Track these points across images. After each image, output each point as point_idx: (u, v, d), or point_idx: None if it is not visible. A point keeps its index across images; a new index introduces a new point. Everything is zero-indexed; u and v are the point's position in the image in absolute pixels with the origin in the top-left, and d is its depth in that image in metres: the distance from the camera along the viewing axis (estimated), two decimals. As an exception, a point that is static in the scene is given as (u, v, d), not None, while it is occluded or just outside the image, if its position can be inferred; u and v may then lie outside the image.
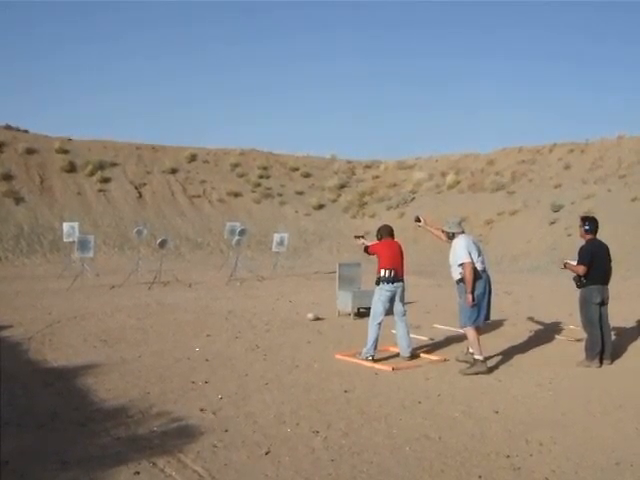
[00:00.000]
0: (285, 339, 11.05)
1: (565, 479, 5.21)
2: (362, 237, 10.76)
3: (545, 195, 30.32)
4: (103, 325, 12.16)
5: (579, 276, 9.39)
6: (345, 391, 7.76)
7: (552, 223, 27.56)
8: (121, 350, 9.98)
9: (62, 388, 7.81)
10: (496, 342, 10.85)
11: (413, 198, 35.77)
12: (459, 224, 9.51)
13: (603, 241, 9.78)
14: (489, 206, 31.34)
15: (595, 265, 9.32)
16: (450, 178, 35.90)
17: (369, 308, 13.15)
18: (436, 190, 35.76)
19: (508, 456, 5.65)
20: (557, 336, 11.47)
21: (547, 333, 11.68)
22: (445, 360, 9.52)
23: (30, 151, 31.95)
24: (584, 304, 9.47)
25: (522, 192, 31.76)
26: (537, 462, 5.54)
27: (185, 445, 5.81)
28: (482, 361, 8.84)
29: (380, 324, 9.59)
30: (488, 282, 9.14)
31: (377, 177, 40.09)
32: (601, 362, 9.31)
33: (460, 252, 8.99)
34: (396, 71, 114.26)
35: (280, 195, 36.60)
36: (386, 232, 10.14)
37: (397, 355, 9.81)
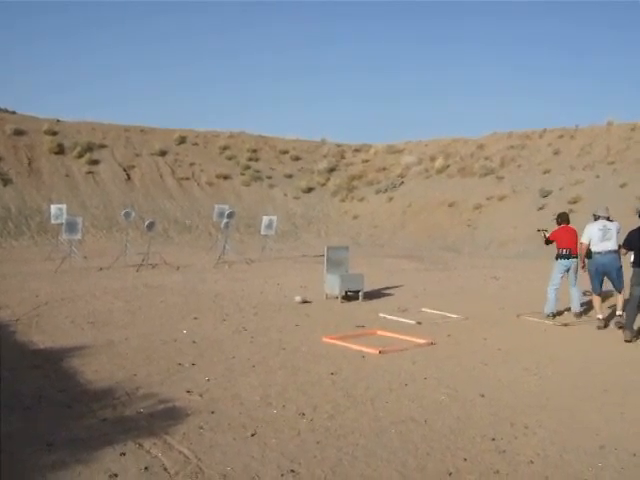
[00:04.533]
0: (272, 322, 11.06)
1: (549, 462, 5.24)
2: (545, 230, 12.77)
3: (534, 181, 30.36)
4: (90, 307, 12.13)
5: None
6: (332, 374, 7.77)
7: (540, 209, 27.62)
8: (108, 332, 9.96)
9: (49, 370, 7.79)
10: (483, 326, 10.91)
11: (402, 182, 35.76)
12: (597, 211, 11.45)
13: None
14: (478, 191, 31.37)
15: (635, 249, 10.36)
16: (439, 162, 35.86)
17: (357, 291, 13.36)
18: (425, 174, 35.73)
19: (493, 439, 5.68)
20: (544, 321, 11.52)
21: (534, 318, 11.74)
22: (432, 343, 9.55)
23: (18, 132, 31.70)
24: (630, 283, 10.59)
25: (511, 177, 31.79)
26: (522, 445, 5.57)
27: (171, 427, 5.81)
28: (599, 319, 11.08)
29: (557, 290, 11.96)
30: (605, 263, 10.96)
31: (367, 161, 40.01)
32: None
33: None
34: (387, 56, 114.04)
35: (269, 178, 36.52)
36: (564, 219, 12.30)
37: (561, 314, 12.16)
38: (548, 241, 12.39)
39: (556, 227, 12.38)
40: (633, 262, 10.36)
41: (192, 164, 35.27)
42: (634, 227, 10.54)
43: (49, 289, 14.15)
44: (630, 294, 10.40)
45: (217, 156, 36.96)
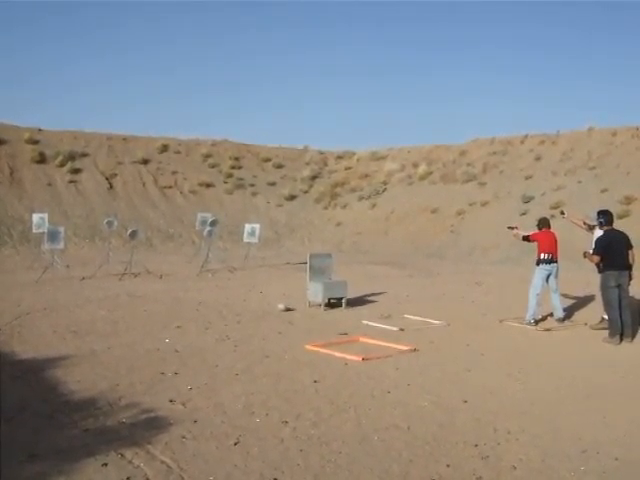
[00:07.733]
0: (256, 330, 11.04)
1: (532, 467, 5.26)
2: (516, 227, 12.98)
3: (516, 186, 30.47)
4: (73, 317, 12.07)
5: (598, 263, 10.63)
6: (315, 381, 7.77)
7: (523, 214, 27.70)
8: (91, 342, 9.91)
9: (31, 380, 7.75)
10: (466, 332, 10.94)
11: (385, 189, 35.80)
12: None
13: (621, 230, 11.10)
14: (460, 197, 31.44)
15: (610, 253, 10.44)
16: (422, 169, 35.88)
17: (340, 299, 13.35)
18: (408, 181, 35.78)
19: (476, 445, 5.70)
20: (526, 326, 11.57)
21: (516, 323, 11.79)
22: (415, 350, 9.56)
23: (-1, 141, 31.55)
24: (602, 288, 10.67)
25: (493, 183, 31.88)
26: (505, 450, 5.60)
27: (154, 436, 5.79)
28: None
29: (539, 295, 11.84)
30: None
31: (349, 168, 40.03)
32: (621, 339, 10.36)
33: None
34: (368, 62, 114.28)
35: (252, 186, 36.47)
36: (545, 223, 12.34)
37: (544, 320, 12.22)
38: (526, 237, 12.43)
39: (536, 230, 12.43)
40: (606, 265, 10.49)
41: (175, 172, 35.17)
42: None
43: (31, 299, 14.07)
44: (607, 300, 10.60)
45: (200, 164, 36.88)
